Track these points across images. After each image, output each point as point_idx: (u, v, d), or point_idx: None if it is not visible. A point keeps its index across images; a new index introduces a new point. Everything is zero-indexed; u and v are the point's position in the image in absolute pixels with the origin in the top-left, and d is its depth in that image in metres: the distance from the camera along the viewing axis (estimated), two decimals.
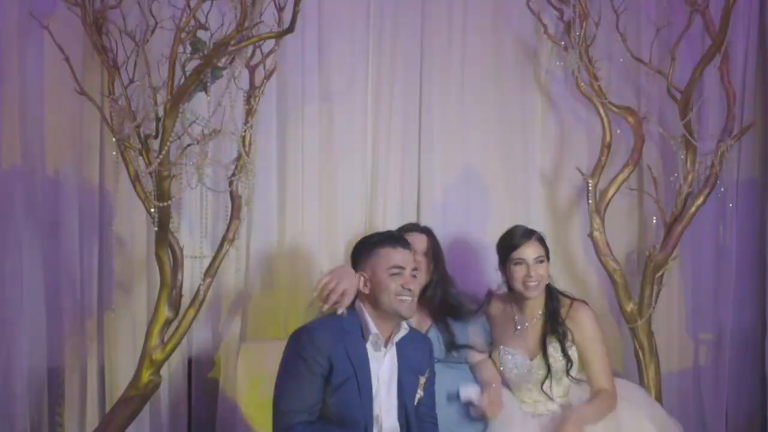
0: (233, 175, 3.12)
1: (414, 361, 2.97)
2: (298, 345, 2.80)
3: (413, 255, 3.05)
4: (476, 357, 3.30)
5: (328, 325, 2.87)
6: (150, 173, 2.84)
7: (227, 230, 3.13)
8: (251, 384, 3.46)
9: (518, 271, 3.30)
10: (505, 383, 3.36)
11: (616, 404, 3.25)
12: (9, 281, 3.35)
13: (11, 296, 3.35)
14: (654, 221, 4.12)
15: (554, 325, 3.31)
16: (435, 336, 3.25)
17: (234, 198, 3.14)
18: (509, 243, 3.34)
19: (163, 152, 2.80)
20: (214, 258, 3.10)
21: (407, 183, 4.11)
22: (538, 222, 4.16)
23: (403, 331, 2.94)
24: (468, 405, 3.15)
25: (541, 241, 3.36)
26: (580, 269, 4.28)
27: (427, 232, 3.42)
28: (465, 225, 4.06)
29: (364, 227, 4.00)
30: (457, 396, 3.15)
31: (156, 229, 2.91)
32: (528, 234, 3.34)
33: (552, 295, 3.37)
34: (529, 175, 4.26)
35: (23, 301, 3.38)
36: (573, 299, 3.39)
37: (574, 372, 3.32)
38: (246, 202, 3.17)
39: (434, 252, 3.38)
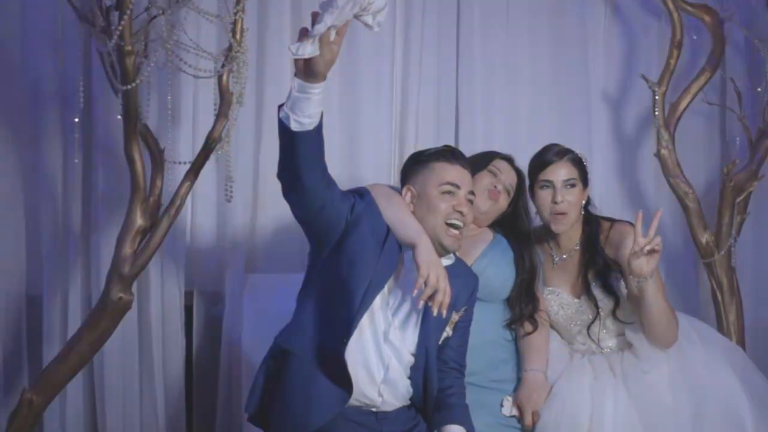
0: (222, 66, 2.68)
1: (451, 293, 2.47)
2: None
3: (498, 179, 2.74)
4: (528, 328, 2.77)
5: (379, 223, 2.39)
6: (112, 50, 2.43)
7: (212, 128, 2.69)
8: (256, 319, 3.08)
9: (543, 197, 2.75)
10: (553, 327, 2.86)
11: (678, 335, 2.66)
12: None
13: None
14: (737, 142, 3.49)
15: (593, 256, 2.75)
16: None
17: (223, 93, 2.70)
18: (538, 162, 2.80)
19: (123, 21, 2.39)
20: (197, 158, 2.68)
21: (444, 104, 3.61)
22: (600, 149, 3.68)
23: (447, 260, 2.46)
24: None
25: (577, 162, 2.78)
26: (651, 203, 3.69)
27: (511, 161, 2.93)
28: (512, 154, 3.51)
29: (392, 153, 3.57)
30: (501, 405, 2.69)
31: (120, 117, 2.50)
32: (561, 153, 2.78)
33: (590, 220, 2.81)
34: (591, 95, 3.72)
35: None
36: (613, 221, 2.82)
37: (623, 314, 2.73)
38: (238, 99, 2.72)
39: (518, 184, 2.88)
